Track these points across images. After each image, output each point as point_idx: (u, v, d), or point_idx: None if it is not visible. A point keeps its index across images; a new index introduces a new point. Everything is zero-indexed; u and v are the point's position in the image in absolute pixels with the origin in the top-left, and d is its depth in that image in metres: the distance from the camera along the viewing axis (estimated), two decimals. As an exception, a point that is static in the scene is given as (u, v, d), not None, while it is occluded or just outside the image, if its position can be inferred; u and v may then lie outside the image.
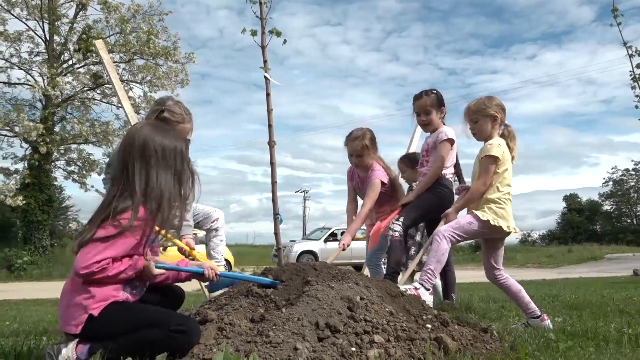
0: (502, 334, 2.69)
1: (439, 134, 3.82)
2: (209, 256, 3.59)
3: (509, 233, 3.27)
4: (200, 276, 2.35)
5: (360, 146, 3.99)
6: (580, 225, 52.12)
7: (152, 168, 2.10)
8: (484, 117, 3.32)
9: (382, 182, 4.00)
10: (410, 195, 3.85)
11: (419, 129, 5.02)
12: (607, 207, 55.74)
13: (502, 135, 3.36)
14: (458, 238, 3.24)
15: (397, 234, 3.59)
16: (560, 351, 2.30)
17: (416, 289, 3.07)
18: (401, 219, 3.65)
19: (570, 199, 56.01)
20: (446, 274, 4.07)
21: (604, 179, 55.95)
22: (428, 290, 3.15)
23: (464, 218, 3.30)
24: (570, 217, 53.37)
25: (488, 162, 3.23)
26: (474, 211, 3.25)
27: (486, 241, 3.41)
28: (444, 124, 3.91)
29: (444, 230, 3.23)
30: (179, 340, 1.96)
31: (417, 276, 3.64)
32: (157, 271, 2.16)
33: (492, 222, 3.18)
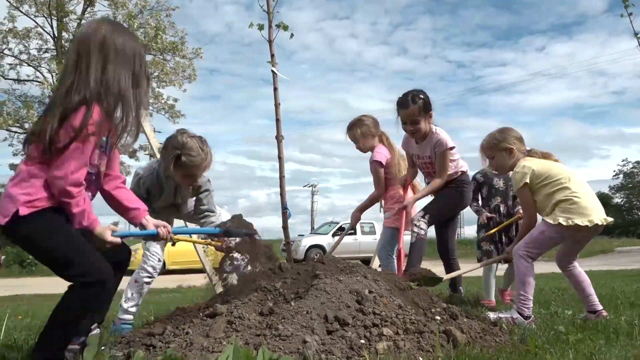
0: (512, 327, 2.69)
1: (436, 143, 3.68)
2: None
3: (592, 227, 2.99)
4: (154, 237, 2.26)
5: (352, 136, 4.15)
6: (590, 218, 51.68)
7: (110, 62, 2.00)
8: (499, 152, 3.28)
9: (381, 164, 4.04)
10: (412, 197, 3.83)
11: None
12: (617, 199, 55.28)
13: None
14: (535, 251, 3.08)
15: (422, 232, 3.57)
16: (570, 344, 2.30)
17: (513, 318, 2.96)
18: (427, 216, 3.62)
19: (580, 192, 55.43)
20: (452, 268, 4.05)
21: (614, 171, 55.51)
22: (528, 318, 2.99)
23: (536, 228, 3.13)
24: (580, 210, 52.87)
25: (521, 195, 3.20)
26: (544, 218, 3.10)
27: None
28: (432, 125, 3.75)
29: (517, 248, 3.13)
30: (87, 294, 1.93)
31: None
32: (112, 239, 2.05)
33: (564, 223, 2.97)
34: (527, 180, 3.09)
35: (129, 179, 3.06)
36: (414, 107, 3.60)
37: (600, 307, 3.17)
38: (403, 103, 3.65)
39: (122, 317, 3.07)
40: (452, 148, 3.71)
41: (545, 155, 3.26)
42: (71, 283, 1.95)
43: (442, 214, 3.79)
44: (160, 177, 3.15)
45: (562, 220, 2.98)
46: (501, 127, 3.35)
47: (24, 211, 1.90)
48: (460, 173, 3.85)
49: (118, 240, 2.08)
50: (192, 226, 3.53)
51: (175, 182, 3.15)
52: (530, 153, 3.27)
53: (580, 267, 3.27)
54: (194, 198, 3.35)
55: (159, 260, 3.19)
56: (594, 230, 3.05)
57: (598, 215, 3.02)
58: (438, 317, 2.39)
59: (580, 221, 2.96)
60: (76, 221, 1.96)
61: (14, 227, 1.91)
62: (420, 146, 3.82)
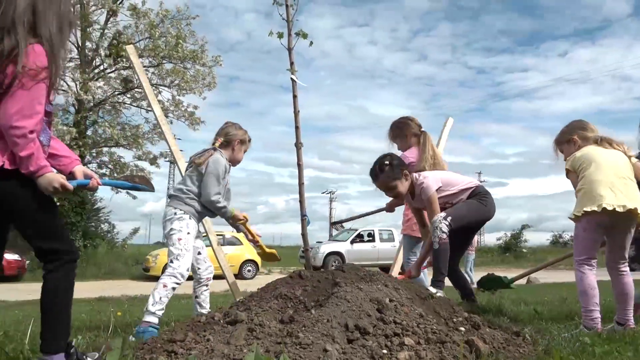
0: (535, 338, 2.63)
1: (421, 192, 3.59)
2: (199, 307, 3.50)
3: (614, 214, 2.93)
4: (84, 187, 2.21)
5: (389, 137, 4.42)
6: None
7: (39, 2, 1.94)
8: (563, 144, 3.46)
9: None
10: (415, 264, 3.76)
11: (449, 124, 4.98)
12: (642, 207, 53.89)
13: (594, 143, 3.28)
14: (581, 258, 3.04)
15: (444, 235, 3.40)
16: (596, 356, 2.24)
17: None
18: (448, 218, 3.45)
19: (604, 199, 54.29)
20: (458, 282, 3.91)
21: (638, 178, 54.13)
22: (592, 329, 2.91)
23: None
24: (604, 218, 51.76)
25: (569, 178, 3.29)
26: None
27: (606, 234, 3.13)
28: (414, 175, 3.67)
29: (574, 261, 3.10)
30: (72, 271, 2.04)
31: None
32: (67, 184, 1.98)
33: (578, 214, 3.01)
34: (569, 167, 3.23)
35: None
36: (382, 178, 3.61)
37: (632, 322, 3.06)
38: (372, 176, 3.68)
39: (149, 319, 3.08)
40: (436, 191, 3.58)
41: (599, 141, 3.26)
42: (48, 266, 2.01)
43: (465, 219, 3.59)
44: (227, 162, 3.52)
45: (576, 212, 3.04)
46: (569, 122, 3.52)
47: (8, 165, 1.89)
48: (472, 188, 3.69)
49: (70, 187, 2.01)
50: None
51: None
52: (595, 139, 3.29)
53: (630, 277, 3.13)
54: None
55: (188, 270, 3.23)
56: (619, 218, 2.97)
57: (609, 201, 2.93)
58: (462, 328, 2.36)
59: (589, 207, 2.95)
60: (23, 165, 1.90)
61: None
62: (416, 200, 3.75)
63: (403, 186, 3.62)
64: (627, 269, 3.12)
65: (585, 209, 2.97)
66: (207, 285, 3.54)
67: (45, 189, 1.93)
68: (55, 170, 2.05)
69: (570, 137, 3.37)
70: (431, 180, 3.60)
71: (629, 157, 3.22)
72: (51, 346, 2.00)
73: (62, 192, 1.98)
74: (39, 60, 1.90)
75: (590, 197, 2.99)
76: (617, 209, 2.92)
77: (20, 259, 17.05)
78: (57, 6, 2.00)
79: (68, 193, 2.03)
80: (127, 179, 2.78)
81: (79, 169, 2.21)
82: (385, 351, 2.01)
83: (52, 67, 1.94)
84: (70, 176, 2.18)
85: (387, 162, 3.61)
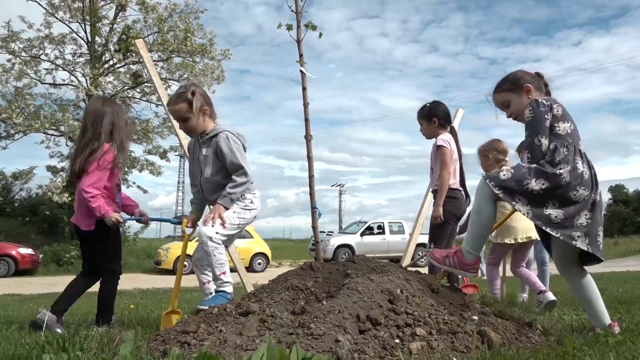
0: (548, 328, 2.62)
1: (433, 143, 3.99)
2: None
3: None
4: (139, 221, 3.66)
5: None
6: (627, 217, 50.09)
7: (112, 123, 3.32)
8: (481, 157, 4.40)
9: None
10: (437, 204, 3.92)
11: (459, 116, 5.33)
12: (655, 197, 53.33)
13: None
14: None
15: (423, 262, 3.99)
16: (610, 346, 2.23)
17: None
18: (425, 250, 4.06)
19: (616, 190, 53.83)
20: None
21: (652, 168, 53.47)
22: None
23: None
24: (617, 209, 51.36)
25: None
26: None
27: None
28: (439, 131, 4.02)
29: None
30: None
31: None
32: (121, 218, 3.30)
33: (501, 242, 4.38)
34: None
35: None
36: (418, 112, 4.12)
37: (544, 288, 4.09)
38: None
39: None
40: (441, 147, 3.87)
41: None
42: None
43: (443, 234, 3.89)
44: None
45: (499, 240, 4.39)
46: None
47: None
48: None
49: (121, 219, 3.32)
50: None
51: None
52: (499, 162, 4.26)
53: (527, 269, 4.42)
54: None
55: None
56: (522, 244, 4.29)
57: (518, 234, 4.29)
58: (475, 317, 2.35)
59: (509, 239, 4.32)
60: (97, 214, 3.20)
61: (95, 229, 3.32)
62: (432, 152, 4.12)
63: (428, 129, 4.07)
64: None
65: (506, 240, 4.26)
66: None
67: (109, 222, 3.23)
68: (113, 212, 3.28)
69: (486, 154, 4.29)
70: (443, 139, 3.91)
71: None
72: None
73: (118, 223, 3.29)
74: (108, 156, 3.27)
75: (507, 228, 4.19)
76: (523, 240, 4.23)
77: (34, 253, 17.26)
78: (123, 123, 3.41)
79: (122, 224, 3.36)
80: (174, 217, 3.76)
81: (137, 210, 3.60)
82: (397, 341, 2.01)
83: (119, 159, 3.32)
84: (132, 215, 3.61)
85: (428, 105, 4.11)
